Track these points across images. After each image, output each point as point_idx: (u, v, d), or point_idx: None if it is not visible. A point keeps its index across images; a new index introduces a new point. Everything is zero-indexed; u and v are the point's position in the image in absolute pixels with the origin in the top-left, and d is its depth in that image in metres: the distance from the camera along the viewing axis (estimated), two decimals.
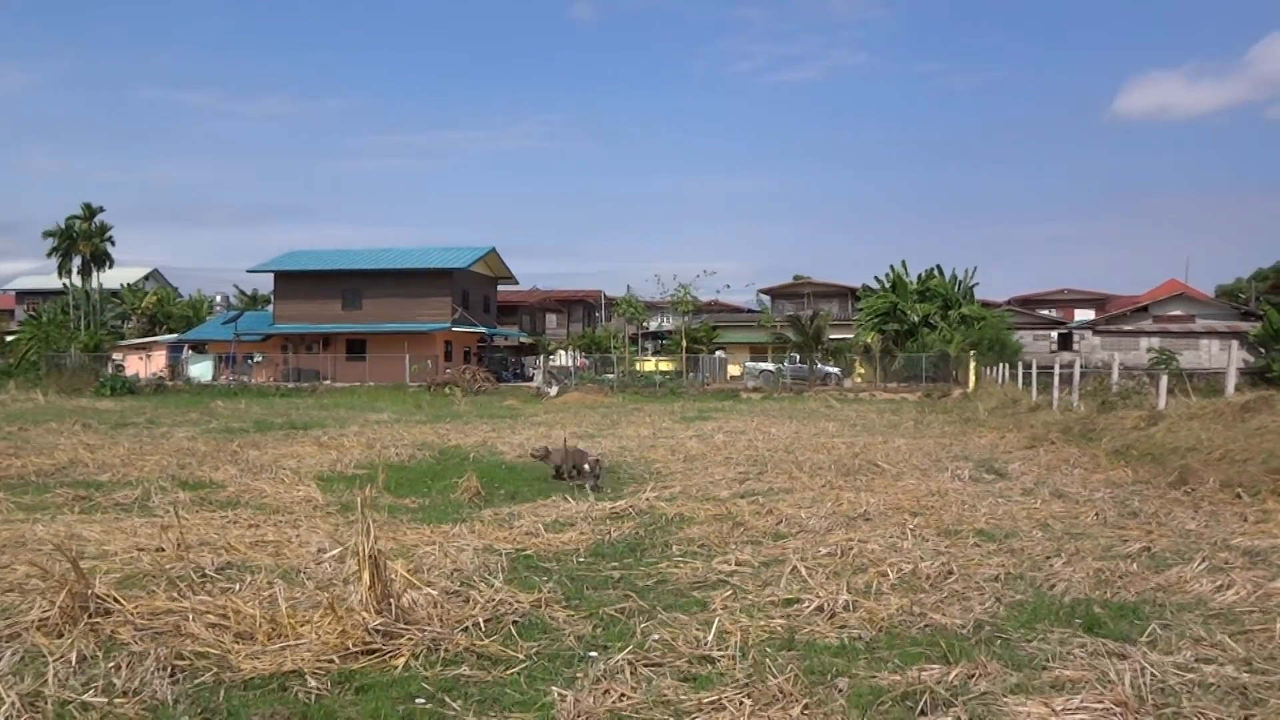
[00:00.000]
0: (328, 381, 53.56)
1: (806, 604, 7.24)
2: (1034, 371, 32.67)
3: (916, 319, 58.61)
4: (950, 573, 8.21)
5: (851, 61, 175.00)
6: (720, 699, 5.28)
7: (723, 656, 6.07)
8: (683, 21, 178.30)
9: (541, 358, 63.04)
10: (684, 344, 61.50)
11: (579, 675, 5.78)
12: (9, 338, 69.61)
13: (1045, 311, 78.11)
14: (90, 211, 71.17)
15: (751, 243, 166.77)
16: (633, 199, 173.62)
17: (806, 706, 5.20)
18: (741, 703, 5.22)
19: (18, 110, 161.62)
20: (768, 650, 6.21)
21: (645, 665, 5.92)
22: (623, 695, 5.42)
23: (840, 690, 5.51)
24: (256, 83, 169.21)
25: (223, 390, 49.08)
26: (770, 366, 58.89)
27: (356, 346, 57.77)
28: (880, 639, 6.58)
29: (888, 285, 61.86)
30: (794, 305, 75.02)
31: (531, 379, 57.17)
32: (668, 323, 76.68)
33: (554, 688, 5.56)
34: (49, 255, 71.09)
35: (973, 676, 5.69)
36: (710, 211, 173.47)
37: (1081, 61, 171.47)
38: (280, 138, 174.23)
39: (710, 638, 6.35)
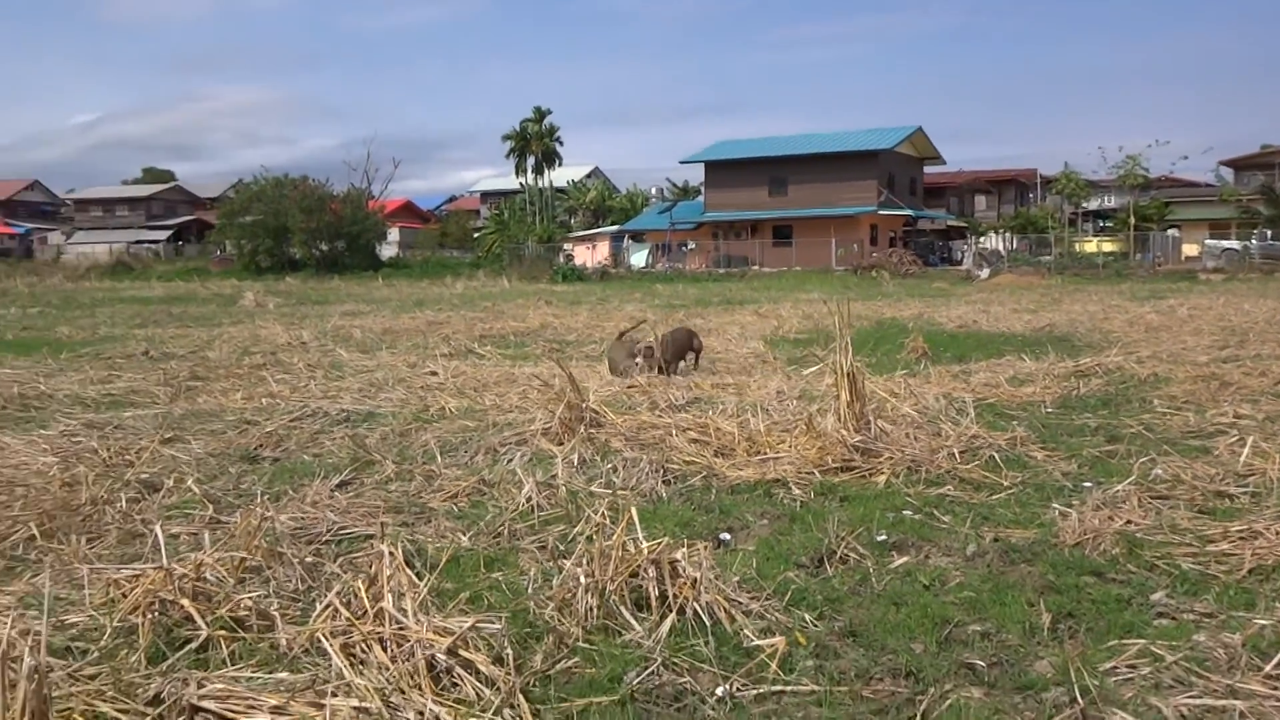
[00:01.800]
0: (756, 267, 54.74)
1: None
2: None
3: None
4: None
5: None
6: (1252, 528, 4.71)
7: (1243, 493, 5.43)
8: None
9: (971, 240, 60.28)
10: (1131, 222, 55.93)
11: (1075, 502, 5.41)
12: (476, 234, 78.16)
13: None
14: (540, 114, 77.27)
15: (1205, 112, 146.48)
16: (1064, 72, 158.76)
17: None
18: None
19: (474, 32, 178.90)
20: None
21: (1152, 497, 5.43)
22: (1130, 520, 5.01)
23: None
24: None
25: (660, 276, 51.79)
26: (1235, 244, 52.15)
27: (783, 232, 58.39)
28: None
29: None
30: (1264, 176, 65.66)
31: (960, 262, 54.93)
32: (1111, 201, 70.06)
33: (1054, 505, 5.25)
34: (507, 156, 78.44)
35: None
36: (1155, 80, 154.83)
37: None
38: (701, 37, 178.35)
39: (1229, 474, 5.70)
